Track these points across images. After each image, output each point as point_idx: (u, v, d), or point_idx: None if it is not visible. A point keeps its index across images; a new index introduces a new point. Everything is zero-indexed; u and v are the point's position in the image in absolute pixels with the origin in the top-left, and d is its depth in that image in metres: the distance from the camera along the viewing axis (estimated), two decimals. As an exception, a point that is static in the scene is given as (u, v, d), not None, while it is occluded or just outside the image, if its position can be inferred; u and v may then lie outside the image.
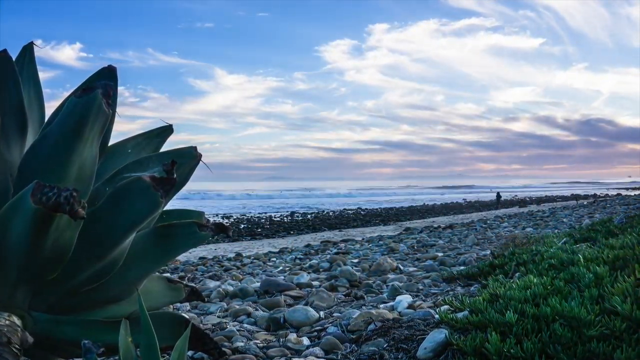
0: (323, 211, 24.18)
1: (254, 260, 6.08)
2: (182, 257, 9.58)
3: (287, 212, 24.06)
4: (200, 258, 8.45)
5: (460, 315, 1.79)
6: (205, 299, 1.74)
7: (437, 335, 1.67)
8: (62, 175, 1.04)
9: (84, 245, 1.07)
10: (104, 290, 1.20)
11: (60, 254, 1.02)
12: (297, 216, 21.44)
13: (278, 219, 20.34)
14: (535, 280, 1.96)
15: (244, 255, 7.75)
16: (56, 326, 1.19)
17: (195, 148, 1.21)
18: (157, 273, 1.58)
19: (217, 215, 22.59)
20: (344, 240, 9.34)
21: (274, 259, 6.02)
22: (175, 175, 0.99)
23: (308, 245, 8.68)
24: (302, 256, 5.96)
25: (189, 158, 1.19)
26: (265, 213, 23.98)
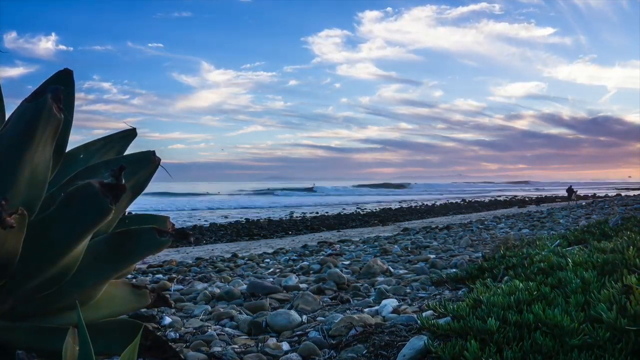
0: (322, 211, 24.12)
1: (248, 262, 6.03)
2: (178, 258, 9.53)
3: (286, 212, 24.02)
4: (197, 258, 8.39)
5: (442, 321, 1.74)
6: (173, 305, 1.69)
7: (417, 342, 1.62)
8: (12, 180, 1.00)
9: (34, 251, 1.02)
10: (60, 296, 1.16)
11: (6, 260, 0.98)
12: (296, 216, 21.38)
13: (277, 219, 20.28)
14: (521, 285, 1.90)
15: (239, 255, 7.70)
16: (11, 333, 1.15)
17: (153, 152, 1.17)
18: (126, 278, 1.53)
19: (215, 215, 22.53)
20: (341, 241, 9.28)
21: (268, 260, 5.97)
22: (123, 181, 0.95)
23: (305, 246, 8.62)
24: (295, 257, 5.90)
25: (147, 162, 1.15)
26: (264, 213, 23.92)
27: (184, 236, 1.15)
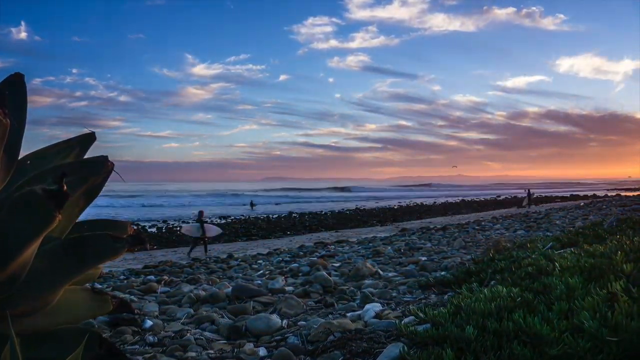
0: (321, 211, 24.05)
1: (241, 263, 5.98)
2: (175, 258, 9.50)
3: (285, 212, 23.96)
4: (194, 259, 8.35)
5: (421, 328, 1.69)
6: (136, 311, 1.66)
7: (393, 350, 1.57)
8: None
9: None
10: (12, 303, 1.11)
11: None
12: (295, 216, 21.32)
13: (275, 219, 20.22)
14: (504, 291, 1.85)
15: (235, 256, 7.66)
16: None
17: (106, 157, 1.13)
18: (88, 284, 1.48)
19: (214, 216, 22.49)
20: (338, 242, 9.22)
21: (261, 261, 5.92)
22: (65, 188, 0.90)
23: (301, 246, 8.57)
24: (288, 258, 5.85)
25: (101, 167, 1.11)
26: (263, 213, 23.87)
27: (139, 242, 1.11)
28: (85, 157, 1.29)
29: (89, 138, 1.27)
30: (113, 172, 1.14)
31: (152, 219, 21.12)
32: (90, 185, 1.12)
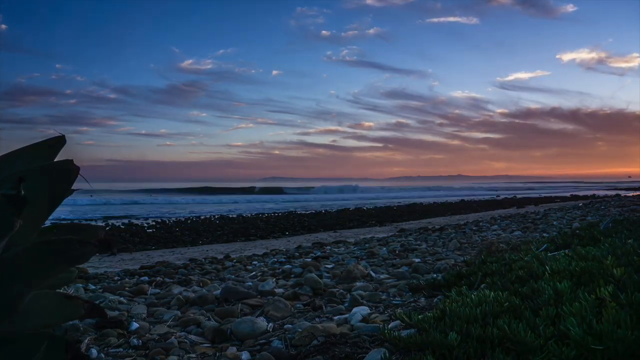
0: (321, 211, 24.02)
1: (236, 264, 5.95)
2: (172, 259, 9.46)
3: (285, 212, 23.94)
4: (190, 259, 8.31)
5: (404, 333, 1.66)
6: (108, 316, 1.66)
7: (375, 356, 1.54)
8: None
9: None
10: (-26, 310, 1.07)
11: None
12: (294, 217, 21.29)
13: (274, 219, 20.19)
14: (491, 295, 1.81)
15: (230, 257, 7.62)
16: None
17: (71, 161, 1.10)
18: (66, 288, 1.44)
19: (214, 215, 22.48)
20: (336, 242, 9.17)
21: (255, 262, 5.88)
22: (22, 192, 0.87)
23: (299, 247, 8.53)
24: (284, 259, 5.82)
25: (65, 171, 1.08)
26: (262, 213, 23.85)
27: (107, 246, 1.08)
28: (57, 160, 1.26)
29: (59, 141, 1.23)
30: (79, 176, 1.11)
31: (149, 217, 21.10)
32: (55, 189, 1.09)
